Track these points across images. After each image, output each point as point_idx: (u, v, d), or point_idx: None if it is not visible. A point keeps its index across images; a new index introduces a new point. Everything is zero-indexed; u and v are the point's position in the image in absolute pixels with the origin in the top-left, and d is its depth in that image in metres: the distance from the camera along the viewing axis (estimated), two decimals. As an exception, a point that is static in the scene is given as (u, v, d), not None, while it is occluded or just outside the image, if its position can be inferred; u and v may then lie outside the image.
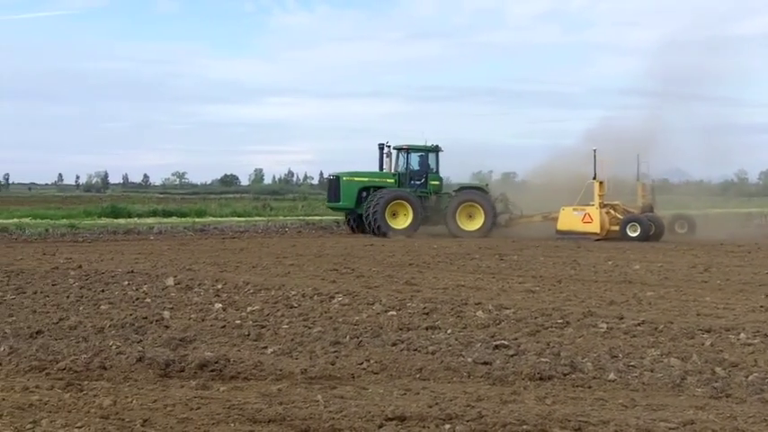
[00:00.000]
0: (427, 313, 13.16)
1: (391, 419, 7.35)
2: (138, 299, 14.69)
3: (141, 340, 10.90)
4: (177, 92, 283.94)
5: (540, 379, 9.07)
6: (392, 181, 37.93)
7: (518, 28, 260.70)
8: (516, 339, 11.07)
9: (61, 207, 54.58)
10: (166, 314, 12.91)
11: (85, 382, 8.60)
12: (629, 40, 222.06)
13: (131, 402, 7.82)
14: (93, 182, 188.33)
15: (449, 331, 11.66)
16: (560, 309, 13.63)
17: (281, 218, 46.13)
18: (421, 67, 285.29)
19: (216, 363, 9.44)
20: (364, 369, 9.46)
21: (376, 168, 38.68)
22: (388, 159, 38.90)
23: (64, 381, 8.62)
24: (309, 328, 11.88)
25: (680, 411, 7.81)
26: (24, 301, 14.34)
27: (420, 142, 38.63)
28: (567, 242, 31.89)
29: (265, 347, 10.54)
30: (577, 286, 17.25)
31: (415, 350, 10.39)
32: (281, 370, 9.30)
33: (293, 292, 15.36)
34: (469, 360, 9.82)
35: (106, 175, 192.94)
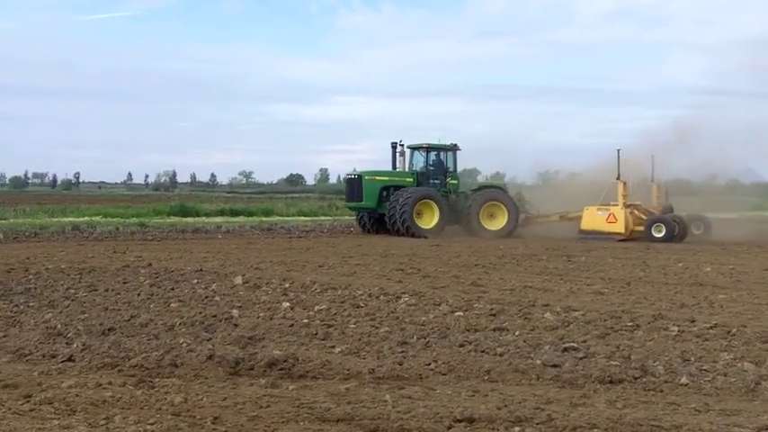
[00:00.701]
0: (494, 314, 13.10)
1: (460, 421, 7.34)
2: (207, 297, 14.82)
3: (211, 338, 11.00)
4: (245, 92, 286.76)
5: (611, 382, 8.98)
6: (411, 180, 37.27)
7: (586, 25, 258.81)
8: (585, 342, 10.97)
9: (131, 206, 55.26)
10: (235, 312, 13.01)
11: (157, 380, 8.70)
12: (702, 38, 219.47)
13: (202, 400, 7.90)
14: (162, 181, 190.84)
15: (517, 333, 11.59)
16: (630, 311, 13.49)
17: (346, 217, 46.19)
18: (488, 66, 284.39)
19: (285, 361, 9.49)
20: (432, 370, 9.44)
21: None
22: (401, 158, 38.46)
23: (136, 378, 8.74)
24: (376, 327, 11.89)
25: (754, 417, 7.68)
26: (96, 299, 14.55)
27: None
28: (635, 244, 31.52)
29: (333, 347, 10.57)
30: (647, 288, 17.05)
31: (483, 351, 10.35)
32: (348, 369, 9.32)
33: (360, 292, 15.40)
34: (538, 362, 9.75)
35: (174, 175, 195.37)
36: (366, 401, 7.97)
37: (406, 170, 38.08)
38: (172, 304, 13.96)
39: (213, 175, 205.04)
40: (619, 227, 34.46)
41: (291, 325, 12.06)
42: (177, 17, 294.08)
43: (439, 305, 13.94)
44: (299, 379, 8.97)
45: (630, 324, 12.29)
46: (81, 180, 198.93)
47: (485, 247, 28.43)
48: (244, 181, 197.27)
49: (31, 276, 17.67)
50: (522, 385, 8.93)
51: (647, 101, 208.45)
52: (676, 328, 11.91)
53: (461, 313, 13.13)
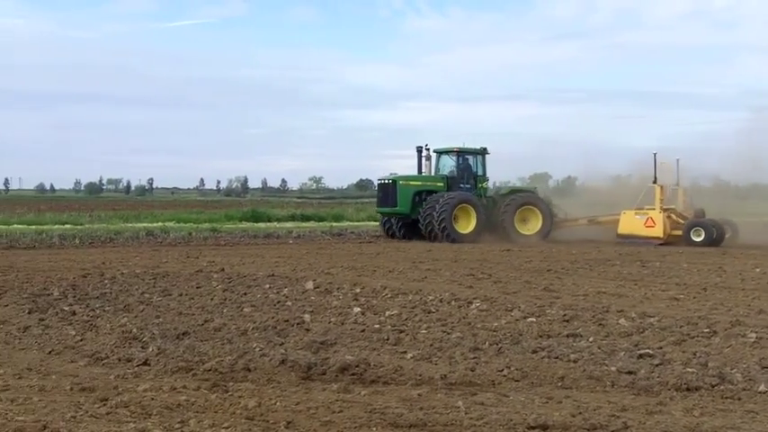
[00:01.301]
0: (568, 320, 12.98)
1: (533, 428, 7.28)
2: (279, 302, 14.90)
3: (283, 343, 11.05)
4: (315, 97, 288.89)
5: (687, 390, 8.83)
6: (442, 185, 36.74)
7: (658, 28, 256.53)
8: (661, 348, 10.81)
9: (203, 211, 55.92)
10: (307, 317, 13.06)
11: (231, 384, 8.77)
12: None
13: (275, 404, 7.93)
14: (234, 186, 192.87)
15: (591, 339, 11.46)
16: (706, 317, 13.27)
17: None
18: (556, 69, 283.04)
19: (356, 366, 9.50)
20: (505, 376, 9.38)
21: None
22: (427, 163, 37.77)
23: (210, 381, 8.81)
24: (448, 333, 11.85)
25: (835, 426, 7.51)
26: (170, 303, 14.71)
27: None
28: (712, 249, 31.04)
29: (404, 352, 10.55)
30: (724, 294, 16.76)
31: (557, 358, 10.25)
32: (420, 375, 9.30)
33: (431, 297, 15.36)
34: (613, 369, 9.63)
35: (246, 180, 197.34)
36: (438, 407, 7.93)
37: (432, 174, 37.61)
38: (244, 309, 14.06)
39: (284, 181, 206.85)
40: (657, 231, 34.20)
41: (363, 330, 12.07)
42: (248, 24, 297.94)
43: (511, 311, 13.85)
44: (370, 384, 8.97)
45: (707, 330, 12.09)
46: (154, 186, 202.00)
47: (556, 252, 28.22)
48: (314, 186, 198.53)
49: (106, 281, 17.93)
50: (596, 392, 8.83)
51: (719, 104, 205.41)
52: (754, 335, 11.68)
53: (534, 319, 13.03)
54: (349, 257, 25.57)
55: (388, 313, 13.53)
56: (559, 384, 9.11)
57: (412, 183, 36.61)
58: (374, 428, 7.24)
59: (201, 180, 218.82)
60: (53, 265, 21.90)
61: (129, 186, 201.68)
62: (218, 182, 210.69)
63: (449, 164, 37.73)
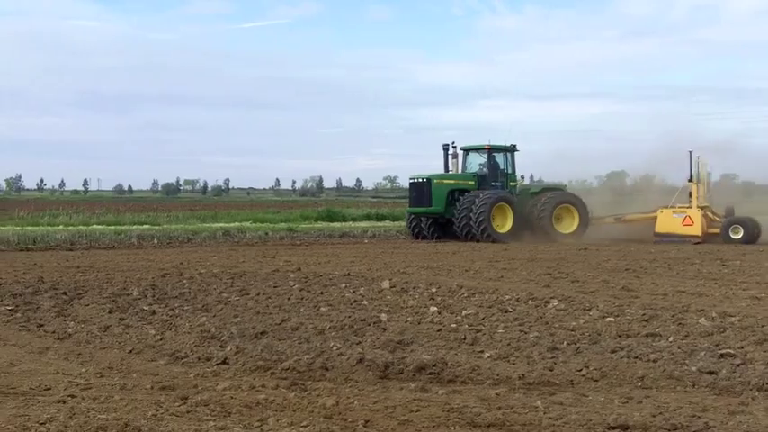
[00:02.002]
0: (647, 320, 12.80)
1: (613, 428, 7.19)
2: (355, 301, 14.95)
3: (360, 342, 11.07)
4: (390, 97, 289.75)
5: (770, 390, 8.67)
6: (473, 183, 36.17)
7: (737, 24, 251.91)
8: (742, 348, 10.60)
9: (279, 211, 56.35)
10: (383, 317, 13.08)
11: (308, 382, 8.80)
12: None
13: (353, 403, 7.95)
14: (309, 186, 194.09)
15: (670, 339, 11.29)
16: (789, 317, 13.00)
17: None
18: (635, 66, 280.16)
19: (434, 366, 9.47)
20: (583, 376, 9.28)
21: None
22: (454, 161, 37.10)
23: (288, 380, 8.85)
24: (525, 332, 11.77)
25: None
26: (248, 303, 14.83)
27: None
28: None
29: (482, 351, 10.50)
30: (806, 293, 16.40)
31: (636, 357, 10.12)
32: (498, 374, 9.25)
33: (507, 297, 15.28)
34: (693, 369, 9.47)
35: (321, 180, 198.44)
36: (517, 407, 7.88)
37: (459, 172, 37.00)
38: (321, 308, 14.12)
39: (358, 180, 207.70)
40: (695, 229, 33.82)
41: (439, 329, 12.04)
42: (323, 24, 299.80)
43: (589, 310, 13.71)
44: (448, 383, 8.94)
45: (790, 330, 11.85)
46: (230, 186, 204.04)
47: (635, 251, 27.93)
48: (389, 186, 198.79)
49: (185, 281, 18.15)
50: (676, 392, 8.69)
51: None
52: (839, 335, 11.41)
53: (612, 318, 12.88)
54: (424, 256, 25.57)
55: (464, 312, 13.49)
56: (639, 384, 8.98)
57: (446, 181, 36.05)
58: (452, 428, 7.21)
59: (277, 180, 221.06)
60: (132, 265, 22.24)
61: (205, 187, 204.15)
62: (294, 182, 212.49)
63: (477, 162, 37.19)
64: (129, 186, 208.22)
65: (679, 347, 10.65)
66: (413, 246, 31.31)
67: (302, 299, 15.27)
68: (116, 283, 17.60)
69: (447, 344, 11.02)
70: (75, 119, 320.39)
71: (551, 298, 15.00)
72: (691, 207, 34.09)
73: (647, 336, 11.49)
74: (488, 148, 36.59)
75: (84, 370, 9.50)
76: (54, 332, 12.08)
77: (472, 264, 22.62)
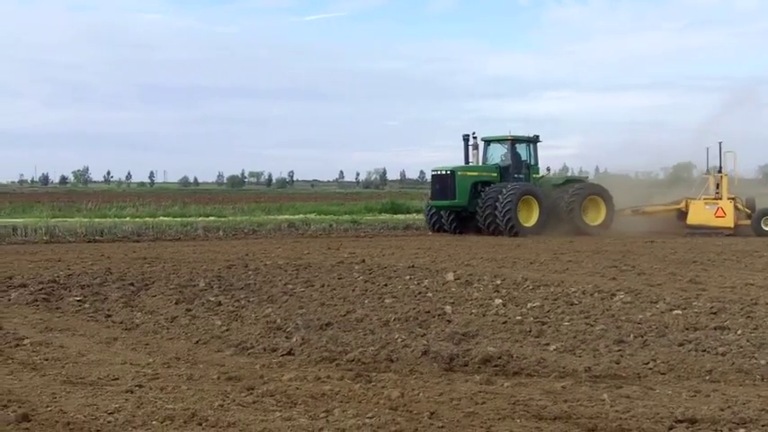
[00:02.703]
0: (715, 313, 12.62)
1: (681, 422, 7.10)
2: (419, 293, 14.94)
3: (425, 334, 11.06)
4: (453, 89, 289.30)
5: (842, 384, 8.50)
6: (495, 175, 34.69)
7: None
8: (813, 341, 10.42)
9: (343, 203, 56.52)
10: (448, 309, 13.05)
11: (373, 374, 8.82)
12: None
13: (418, 395, 7.94)
14: (372, 178, 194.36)
15: (739, 332, 11.11)
16: None
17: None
18: (701, 57, 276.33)
19: (499, 358, 9.44)
20: (650, 369, 9.18)
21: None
22: (474, 152, 35.45)
23: (353, 372, 8.88)
24: (591, 325, 11.67)
25: None
26: (313, 294, 14.89)
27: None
28: None
29: (547, 344, 10.44)
30: None
31: (704, 351, 9.98)
32: (564, 367, 9.19)
33: (573, 289, 15.16)
34: (763, 362, 9.32)
35: (384, 172, 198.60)
36: (583, 400, 7.82)
37: (480, 164, 35.53)
38: (386, 300, 14.13)
39: (422, 172, 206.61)
40: (728, 221, 33.28)
41: (504, 322, 11.99)
42: (387, 16, 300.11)
43: (656, 303, 13.55)
44: (513, 376, 8.90)
45: None
46: (295, 178, 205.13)
47: (702, 244, 27.57)
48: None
49: (250, 272, 18.26)
50: (745, 386, 8.56)
51: None
52: None
53: (680, 311, 12.71)
54: (488, 248, 25.46)
55: (529, 305, 13.41)
56: (707, 378, 8.86)
57: (469, 173, 34.59)
58: (518, 420, 7.18)
59: (341, 172, 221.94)
60: (198, 257, 22.44)
61: (270, 179, 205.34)
62: (358, 174, 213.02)
63: (498, 153, 35.91)
64: (195, 178, 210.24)
65: (748, 341, 10.50)
66: (476, 238, 31.04)
67: (366, 290, 15.29)
68: (182, 274, 17.76)
69: (512, 336, 10.97)
70: (141, 112, 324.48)
71: (617, 290, 14.85)
72: (719, 198, 33.64)
73: (715, 329, 11.33)
74: (511, 139, 35.38)
75: (151, 360, 9.61)
76: (122, 323, 12.24)
77: (537, 256, 22.48)
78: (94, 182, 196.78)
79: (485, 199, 33.16)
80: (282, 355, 9.81)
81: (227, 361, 9.61)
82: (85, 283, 16.24)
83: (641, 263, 20.54)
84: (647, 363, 9.39)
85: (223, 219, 39.70)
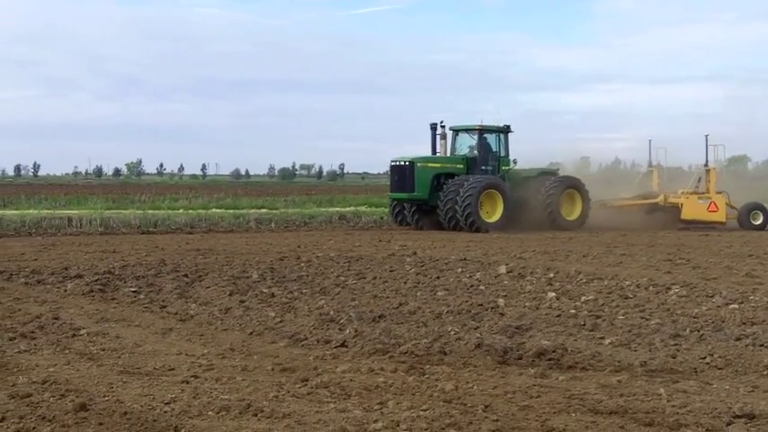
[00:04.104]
0: (772, 307, 12.46)
1: (739, 417, 7.03)
2: (472, 286, 14.89)
3: (478, 327, 11.03)
4: (504, 82, 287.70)
5: None
6: (461, 166, 32.59)
7: None
8: None
9: (393, 196, 56.40)
10: (501, 302, 13.00)
11: (427, 366, 8.80)
12: None
13: (472, 388, 7.92)
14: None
15: (797, 326, 10.98)
16: None
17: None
18: (757, 49, 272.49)
19: (553, 352, 9.40)
20: (707, 364, 9.09)
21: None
22: (442, 142, 33.54)
23: (406, 364, 8.87)
24: (646, 319, 11.57)
25: None
26: (365, 286, 14.91)
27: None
28: None
29: (602, 338, 10.37)
30: None
31: (762, 345, 9.85)
32: (619, 361, 9.12)
33: (627, 283, 15.03)
34: (822, 358, 9.20)
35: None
36: (639, 394, 7.76)
37: (448, 155, 33.61)
38: (438, 293, 14.11)
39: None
40: (720, 215, 33.11)
41: (558, 315, 11.93)
42: (438, 10, 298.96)
43: (712, 297, 13.40)
44: (568, 370, 8.85)
45: None
46: (345, 171, 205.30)
47: (757, 237, 27.26)
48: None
49: (302, 264, 18.31)
50: (805, 381, 8.45)
51: None
52: None
53: (736, 306, 12.55)
54: (541, 242, 25.32)
55: (583, 298, 13.33)
56: (765, 373, 8.77)
57: (431, 164, 32.58)
58: (574, 414, 7.13)
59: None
60: (251, 249, 22.55)
61: (320, 171, 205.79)
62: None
63: (467, 143, 33.89)
64: (246, 171, 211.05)
65: (807, 336, 10.34)
66: (527, 231, 30.65)
67: (419, 283, 15.28)
68: (235, 266, 17.84)
69: (566, 330, 10.91)
70: (193, 105, 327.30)
71: (672, 284, 14.70)
72: (705, 193, 33.38)
73: (773, 323, 11.18)
74: (479, 129, 33.27)
75: (206, 351, 9.67)
76: (176, 313, 12.33)
77: (590, 249, 22.32)
78: (147, 174, 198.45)
79: (446, 192, 31.28)
80: (336, 347, 9.83)
81: (281, 352, 9.64)
82: (140, 274, 16.37)
83: (696, 256, 20.32)
84: (704, 357, 9.30)
85: (275, 211, 39.79)
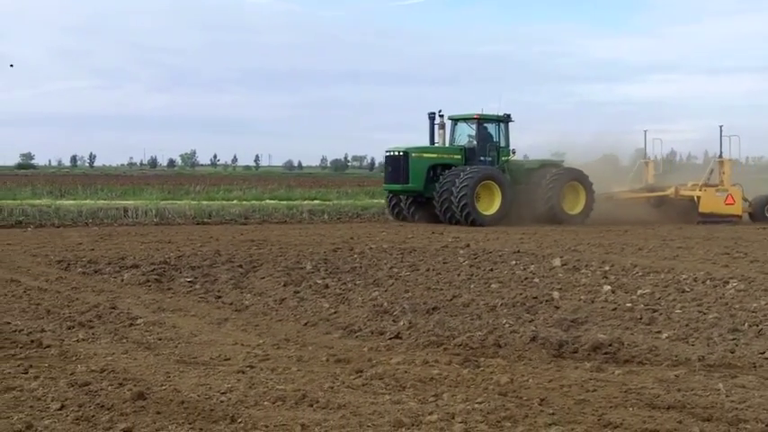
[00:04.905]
0: (834, 302, 12.26)
1: (800, 413, 6.92)
2: (526, 278, 14.81)
3: (533, 320, 10.97)
4: (559, 72, 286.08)
5: None
6: (459, 157, 31.66)
7: None
8: None
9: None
10: (556, 294, 12.92)
11: (481, 359, 8.77)
12: None
13: (527, 381, 7.88)
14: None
15: None
16: None
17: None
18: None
19: (609, 345, 9.31)
20: (766, 359, 8.95)
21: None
22: (441, 131, 32.69)
23: (461, 356, 8.84)
24: (704, 313, 11.42)
25: None
26: (418, 278, 14.89)
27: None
28: None
29: (659, 332, 10.26)
30: None
31: (823, 341, 9.72)
32: (676, 356, 9.02)
33: (684, 276, 14.86)
34: None
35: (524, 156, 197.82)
36: (697, 389, 7.67)
37: (447, 145, 32.78)
38: (492, 285, 14.05)
39: (525, 156, 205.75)
40: (737, 208, 32.36)
41: (614, 309, 11.82)
42: (488, 1, 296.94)
43: (771, 291, 13.22)
44: (624, 364, 8.76)
45: None
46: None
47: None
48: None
49: (356, 255, 18.34)
50: None
51: None
52: None
53: (796, 300, 12.38)
54: (595, 234, 25.16)
55: (639, 292, 13.20)
56: (826, 368, 8.62)
57: (426, 155, 31.61)
58: (631, 409, 7.06)
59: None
60: (304, 240, 22.63)
61: (373, 163, 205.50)
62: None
63: (466, 133, 32.87)
64: (299, 162, 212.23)
65: None
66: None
67: (472, 275, 15.23)
68: (289, 256, 17.91)
69: (622, 323, 10.81)
70: (246, 96, 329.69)
71: (730, 278, 14.51)
72: (721, 185, 32.66)
73: (833, 319, 11.00)
74: (478, 118, 32.20)
75: (261, 341, 9.71)
76: (231, 304, 12.40)
77: (646, 242, 22.11)
78: (201, 165, 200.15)
79: (442, 183, 30.33)
80: (390, 339, 9.82)
81: (336, 343, 9.66)
82: (195, 264, 16.49)
83: (754, 250, 20.06)
84: (763, 352, 9.17)
85: (327, 202, 39.92)
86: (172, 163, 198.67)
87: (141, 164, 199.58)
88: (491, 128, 32.56)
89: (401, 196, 32.31)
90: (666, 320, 10.99)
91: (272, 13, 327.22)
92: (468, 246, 20.54)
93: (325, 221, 32.06)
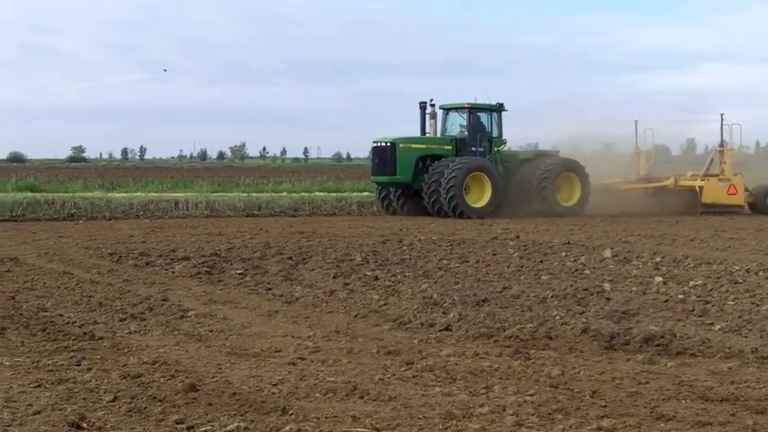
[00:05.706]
0: None
1: None
2: (576, 270, 14.73)
3: (584, 312, 10.91)
4: (606, 62, 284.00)
5: None
6: (450, 148, 30.80)
7: None
8: None
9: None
10: (607, 286, 12.83)
11: (532, 351, 8.73)
12: None
13: (579, 373, 7.84)
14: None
15: None
16: None
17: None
18: None
19: (661, 337, 9.24)
20: (821, 351, 8.85)
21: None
22: (432, 121, 31.96)
23: (511, 348, 8.81)
24: (757, 305, 11.29)
25: None
26: (468, 270, 14.87)
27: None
28: None
29: (711, 324, 10.16)
30: None
31: None
32: (729, 348, 8.93)
33: (736, 267, 14.70)
34: None
35: (536, 146, 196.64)
36: (750, 382, 7.58)
37: (439, 135, 31.96)
38: (542, 277, 14.00)
39: (574, 148, 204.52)
40: (739, 198, 31.74)
41: (666, 300, 11.72)
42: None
43: (826, 283, 13.03)
44: (676, 356, 8.69)
45: None
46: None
47: None
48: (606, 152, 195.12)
49: (405, 247, 18.34)
50: None
51: None
52: None
53: None
54: (646, 225, 24.97)
55: (691, 283, 13.08)
56: None
57: (414, 146, 30.81)
58: (683, 401, 7.00)
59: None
60: (353, 232, 22.70)
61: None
62: (510, 148, 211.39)
63: (458, 123, 31.99)
64: (348, 154, 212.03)
65: None
66: (632, 214, 29.98)
67: (522, 267, 15.18)
68: (339, 248, 17.94)
69: (674, 315, 10.72)
70: (294, 88, 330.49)
71: (784, 269, 14.33)
72: (722, 174, 32.00)
73: None
74: (469, 107, 31.46)
75: (312, 333, 9.74)
76: (282, 296, 12.46)
77: (697, 233, 21.92)
78: (251, 157, 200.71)
79: (431, 175, 29.59)
80: (440, 331, 9.82)
81: (386, 335, 9.67)
82: (246, 256, 16.57)
83: (808, 241, 19.79)
84: (818, 344, 9.06)
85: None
86: (221, 155, 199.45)
87: (191, 156, 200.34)
88: (483, 117, 31.89)
89: (391, 189, 31.74)
90: (719, 312, 10.88)
91: (318, 5, 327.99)
92: (517, 237, 20.48)
93: (373, 213, 32.11)
